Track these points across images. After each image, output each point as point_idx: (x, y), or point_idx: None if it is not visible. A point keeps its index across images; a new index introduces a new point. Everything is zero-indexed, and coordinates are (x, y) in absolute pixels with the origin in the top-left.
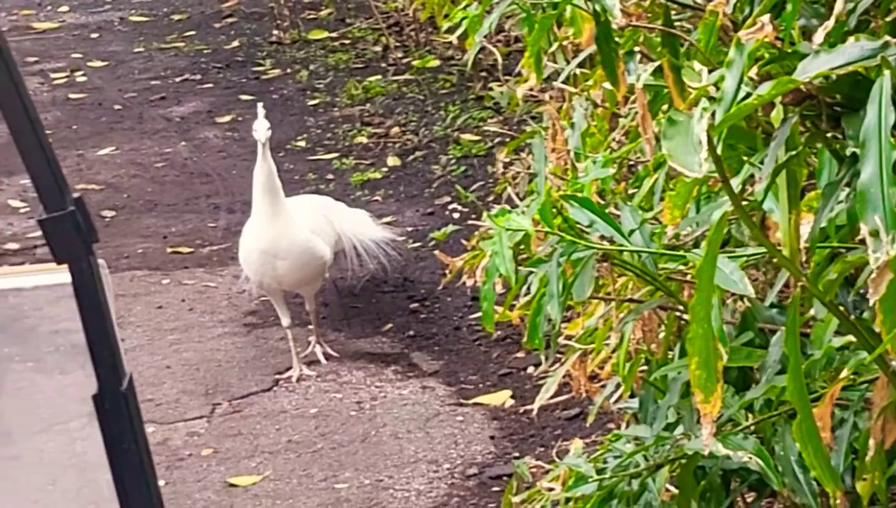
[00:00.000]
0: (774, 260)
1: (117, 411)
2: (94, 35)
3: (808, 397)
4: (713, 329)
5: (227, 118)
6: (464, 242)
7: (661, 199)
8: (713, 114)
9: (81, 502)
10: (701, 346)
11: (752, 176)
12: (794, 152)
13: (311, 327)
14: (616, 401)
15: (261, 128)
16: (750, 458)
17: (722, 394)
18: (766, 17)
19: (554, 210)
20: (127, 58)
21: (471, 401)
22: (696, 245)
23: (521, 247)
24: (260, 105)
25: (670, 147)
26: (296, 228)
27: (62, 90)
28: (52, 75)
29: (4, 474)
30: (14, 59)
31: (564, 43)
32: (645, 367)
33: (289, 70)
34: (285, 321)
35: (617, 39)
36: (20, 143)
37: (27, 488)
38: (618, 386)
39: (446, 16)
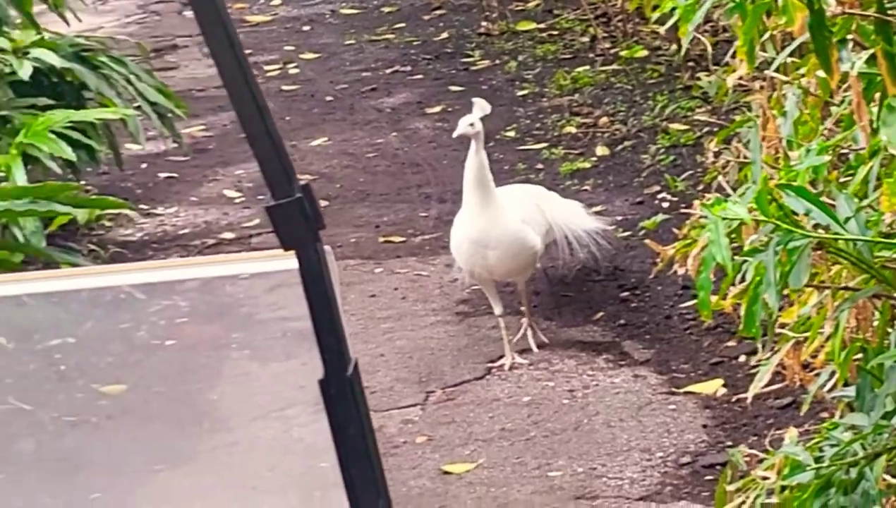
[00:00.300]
0: None
1: (343, 396)
2: (306, 28)
3: None
4: None
5: (436, 109)
6: (674, 231)
7: (876, 188)
8: None
9: (303, 488)
10: None
11: None
12: None
13: (523, 316)
14: (830, 390)
15: (462, 123)
16: None
17: None
18: None
19: (769, 198)
20: (338, 50)
21: (682, 390)
22: None
23: (733, 236)
24: (476, 100)
25: (888, 133)
26: (506, 218)
27: (275, 82)
28: (266, 67)
29: (223, 461)
30: (241, 44)
31: (774, 32)
32: (860, 356)
33: (497, 61)
34: (497, 310)
35: (830, 28)
36: (248, 131)
37: (245, 474)
38: (832, 374)
39: (655, 6)
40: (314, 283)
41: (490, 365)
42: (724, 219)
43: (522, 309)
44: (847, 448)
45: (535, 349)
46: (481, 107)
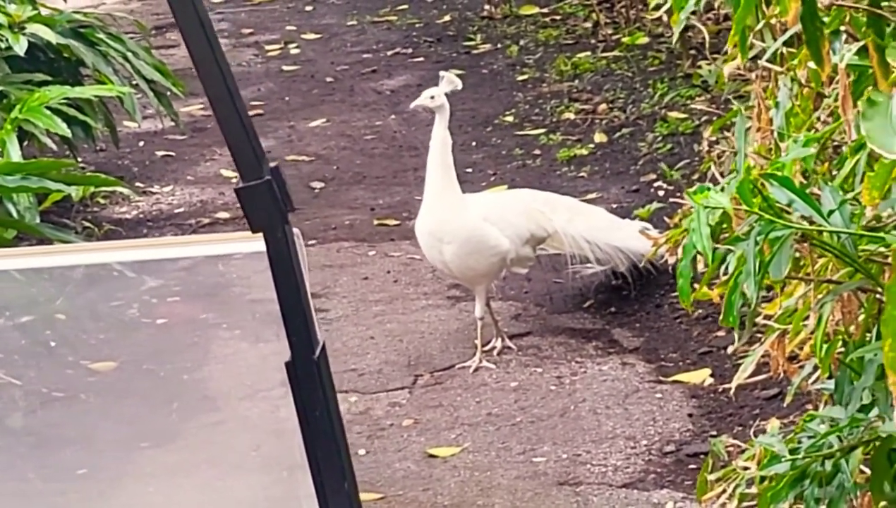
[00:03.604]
0: None
1: (309, 379)
2: (309, 7)
3: None
4: None
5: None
6: (666, 220)
7: (862, 180)
8: None
9: (288, 467)
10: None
11: None
12: None
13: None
14: (814, 382)
15: (424, 95)
16: None
17: None
18: None
19: (754, 188)
20: (340, 30)
21: (670, 379)
22: None
23: (724, 226)
24: (445, 74)
25: (869, 128)
26: (465, 213)
27: (276, 62)
28: (267, 47)
29: (210, 439)
30: (213, 28)
31: (772, 21)
32: (843, 349)
33: (499, 45)
34: (478, 311)
35: (823, 18)
36: (218, 113)
37: (232, 453)
38: (816, 367)
39: None
40: (282, 266)
41: (461, 365)
42: (706, 207)
43: (482, 322)
44: (823, 440)
45: (495, 355)
46: (450, 81)
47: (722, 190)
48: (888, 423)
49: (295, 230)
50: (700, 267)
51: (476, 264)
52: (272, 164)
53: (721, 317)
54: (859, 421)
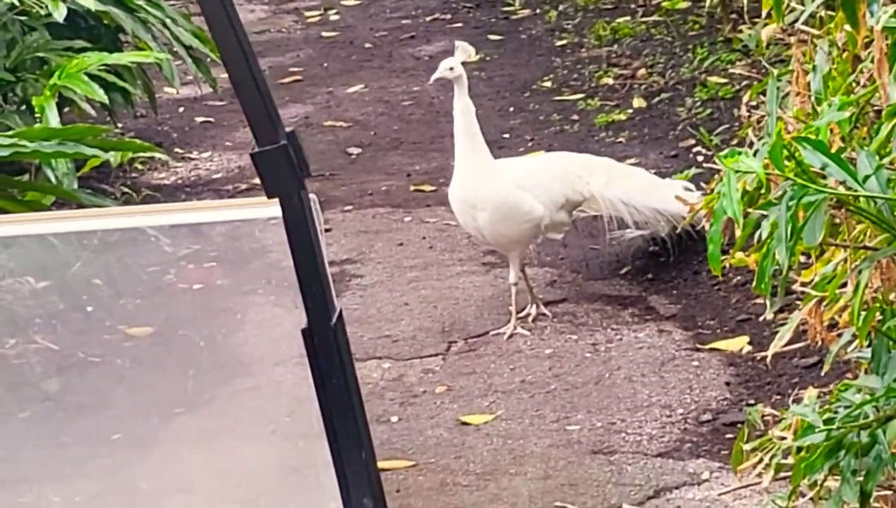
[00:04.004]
0: None
1: (326, 346)
2: None
3: None
4: None
5: (475, 58)
6: (703, 186)
7: None
8: None
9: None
10: None
11: None
12: None
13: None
14: (853, 351)
15: (443, 66)
16: None
17: None
18: None
19: (788, 152)
20: None
21: (707, 346)
22: None
23: (762, 191)
24: (459, 43)
25: None
26: (497, 179)
27: (315, 28)
28: (307, 13)
29: (245, 404)
30: None
31: None
32: (881, 317)
33: (538, 10)
34: (512, 277)
35: None
36: (233, 76)
37: (265, 418)
38: (854, 335)
39: None
40: (298, 232)
41: (495, 332)
42: (737, 172)
43: (523, 285)
44: (859, 410)
45: (529, 321)
46: (465, 49)
47: (755, 154)
48: None
49: (311, 196)
50: (737, 232)
51: (509, 230)
52: (288, 129)
53: (754, 284)
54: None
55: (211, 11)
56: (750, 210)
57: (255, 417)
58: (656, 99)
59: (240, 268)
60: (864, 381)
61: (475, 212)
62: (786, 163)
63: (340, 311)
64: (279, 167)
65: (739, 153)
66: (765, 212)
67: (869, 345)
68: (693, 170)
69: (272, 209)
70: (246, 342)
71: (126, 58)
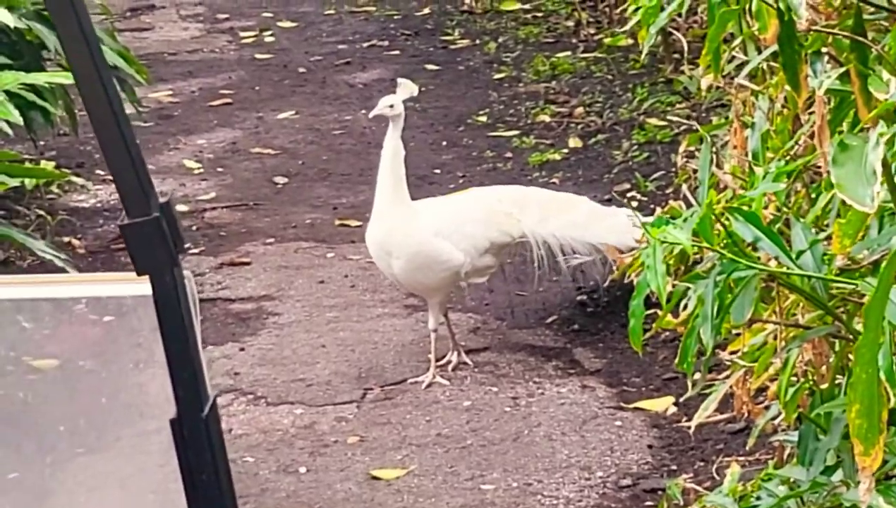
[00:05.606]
0: None
1: (196, 439)
2: None
3: None
4: (880, 372)
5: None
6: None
7: (838, 215)
8: (892, 140)
9: None
10: (864, 393)
11: None
12: None
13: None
14: (780, 424)
15: (382, 102)
16: None
17: (887, 441)
18: None
19: (719, 221)
20: (317, 19)
21: (631, 405)
22: (876, 268)
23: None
24: (402, 80)
25: (839, 175)
26: (414, 226)
27: (249, 49)
28: (241, 34)
29: (146, 448)
30: (98, 45)
31: (755, 31)
32: (810, 399)
33: (477, 41)
34: (431, 323)
35: (805, 37)
36: (103, 139)
37: (167, 465)
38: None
39: None
40: (170, 313)
41: (413, 380)
42: (663, 243)
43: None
44: (782, 504)
45: (449, 370)
46: (407, 87)
47: (685, 221)
48: (852, 491)
49: (186, 273)
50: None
51: (426, 278)
52: (162, 199)
53: (677, 361)
54: (821, 485)
55: (78, 66)
56: (676, 282)
57: (159, 463)
58: (593, 140)
59: (105, 349)
60: (788, 472)
61: (390, 258)
62: (718, 228)
63: (215, 400)
64: (151, 241)
65: (667, 222)
66: (689, 285)
67: (798, 419)
68: None
69: (143, 286)
70: (153, 380)
71: (43, 77)
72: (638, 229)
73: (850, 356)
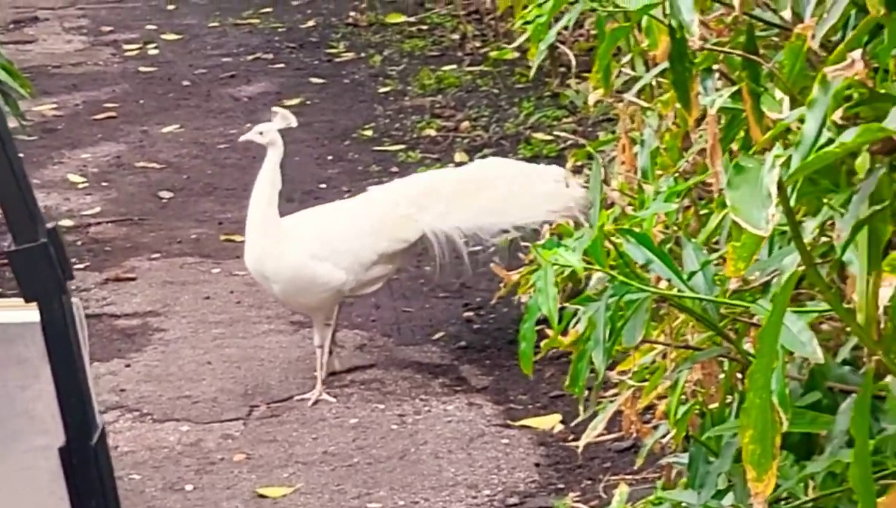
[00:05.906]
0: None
1: (85, 467)
2: (171, 6)
3: (873, 487)
4: (773, 397)
5: (295, 101)
6: (521, 256)
7: (730, 235)
8: (788, 162)
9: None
10: (757, 418)
11: (831, 218)
12: (879, 207)
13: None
14: (668, 443)
15: (254, 129)
16: None
17: (779, 465)
18: (857, 53)
19: (613, 240)
20: (201, 32)
21: (518, 423)
22: (767, 288)
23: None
24: (278, 109)
25: (734, 198)
26: (285, 250)
27: (133, 62)
28: (125, 46)
29: (36, 465)
30: None
31: (645, 47)
32: (700, 419)
33: (362, 54)
34: (317, 339)
35: (695, 54)
36: None
37: (58, 481)
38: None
39: (525, 6)
40: (58, 340)
41: (300, 397)
42: (554, 264)
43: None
44: None
45: (312, 399)
46: (284, 117)
47: (575, 243)
48: None
49: (74, 300)
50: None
51: (307, 300)
52: (49, 225)
53: (567, 383)
54: None
55: None
56: (566, 304)
57: (51, 479)
58: (479, 154)
59: None
60: (678, 495)
61: (268, 282)
62: (608, 246)
63: (104, 429)
64: (38, 268)
65: (558, 244)
66: (580, 307)
67: (687, 438)
68: (513, 234)
69: (30, 313)
70: (42, 395)
71: None
72: (570, 191)
73: (740, 376)
